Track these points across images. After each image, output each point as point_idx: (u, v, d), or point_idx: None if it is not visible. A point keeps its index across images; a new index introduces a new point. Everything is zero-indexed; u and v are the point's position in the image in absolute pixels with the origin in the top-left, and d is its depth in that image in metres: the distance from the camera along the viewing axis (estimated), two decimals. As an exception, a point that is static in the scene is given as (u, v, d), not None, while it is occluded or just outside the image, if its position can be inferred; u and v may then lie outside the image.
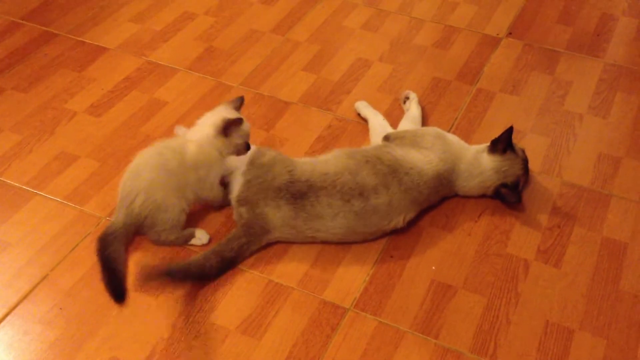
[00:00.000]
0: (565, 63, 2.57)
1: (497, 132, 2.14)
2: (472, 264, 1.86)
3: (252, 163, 1.89)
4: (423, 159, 1.91)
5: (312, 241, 1.87)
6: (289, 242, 1.88)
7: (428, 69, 2.53)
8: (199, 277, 1.79)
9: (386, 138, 2.05)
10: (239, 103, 1.96)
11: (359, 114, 2.28)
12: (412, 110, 2.26)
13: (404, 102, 2.32)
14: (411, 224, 1.93)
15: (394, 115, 2.29)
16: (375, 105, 2.34)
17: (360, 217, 1.83)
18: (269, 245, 1.87)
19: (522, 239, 1.93)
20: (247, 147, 1.89)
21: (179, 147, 1.82)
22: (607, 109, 2.37)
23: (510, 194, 1.96)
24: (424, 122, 2.27)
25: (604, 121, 2.32)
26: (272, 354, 1.65)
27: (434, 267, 1.85)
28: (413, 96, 2.31)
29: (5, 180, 2.06)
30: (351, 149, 1.98)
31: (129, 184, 1.80)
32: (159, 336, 1.67)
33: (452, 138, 2.03)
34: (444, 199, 2.01)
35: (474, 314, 1.74)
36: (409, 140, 1.99)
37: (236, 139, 1.86)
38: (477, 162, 1.97)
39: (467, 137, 2.21)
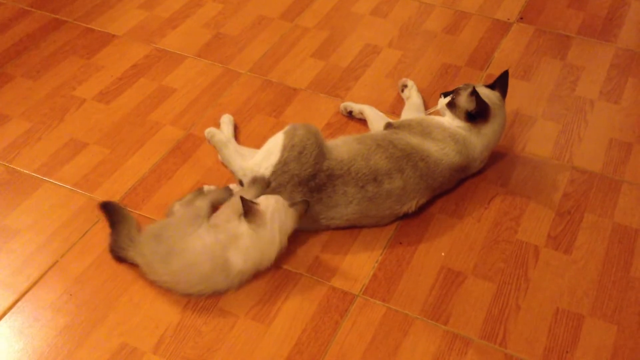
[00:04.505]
0: (577, 48, 2.54)
1: (507, 118, 2.13)
2: (482, 251, 1.85)
3: (284, 147, 1.83)
4: (439, 150, 1.90)
5: (325, 229, 1.87)
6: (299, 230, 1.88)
7: (438, 54, 2.51)
8: None
9: (389, 125, 2.03)
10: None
11: (350, 113, 2.22)
12: (414, 98, 2.24)
13: (402, 91, 2.30)
14: (420, 210, 1.92)
15: (403, 103, 2.28)
16: (384, 91, 2.33)
17: (374, 202, 1.83)
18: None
19: (532, 225, 1.92)
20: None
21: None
22: (618, 94, 2.34)
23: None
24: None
25: (616, 107, 2.30)
26: (281, 339, 1.65)
27: (443, 254, 1.84)
28: (411, 84, 2.28)
29: (15, 167, 2.07)
30: (358, 135, 1.97)
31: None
32: (168, 322, 1.68)
33: (453, 126, 1.96)
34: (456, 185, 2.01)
35: (484, 300, 1.74)
36: (418, 129, 1.96)
37: None
38: (484, 138, 1.97)
39: (477, 123, 2.20)
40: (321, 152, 1.83)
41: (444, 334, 1.66)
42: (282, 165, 1.81)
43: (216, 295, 1.72)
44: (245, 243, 1.69)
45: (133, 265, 1.77)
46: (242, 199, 1.68)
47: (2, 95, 2.31)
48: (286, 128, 1.90)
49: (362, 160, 1.84)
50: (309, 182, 1.79)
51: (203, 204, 1.81)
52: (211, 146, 2.11)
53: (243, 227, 1.71)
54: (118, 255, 1.78)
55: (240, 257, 1.69)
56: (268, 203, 1.72)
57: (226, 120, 2.16)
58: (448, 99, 1.99)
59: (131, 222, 1.82)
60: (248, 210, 1.68)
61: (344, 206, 1.82)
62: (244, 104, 2.28)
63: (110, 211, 1.86)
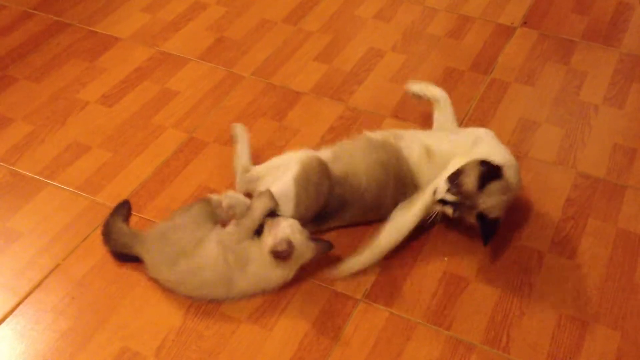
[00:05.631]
0: (581, 53, 2.53)
1: (511, 123, 2.13)
2: (485, 256, 1.84)
3: (300, 185, 1.77)
4: None
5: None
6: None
7: (441, 59, 2.50)
8: None
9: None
10: None
11: (418, 96, 2.08)
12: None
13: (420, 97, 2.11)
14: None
15: (406, 108, 2.28)
16: (387, 96, 2.33)
17: (371, 211, 1.86)
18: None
19: (536, 230, 1.91)
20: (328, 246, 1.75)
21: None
22: (622, 99, 2.34)
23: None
24: (431, 121, 2.24)
25: (620, 112, 2.29)
26: (283, 344, 1.64)
27: (446, 259, 1.83)
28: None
29: (17, 170, 2.06)
30: (383, 139, 1.89)
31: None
32: (170, 326, 1.67)
33: None
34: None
35: (487, 305, 1.73)
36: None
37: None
38: None
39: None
40: (331, 185, 1.80)
41: (447, 339, 1.66)
42: (300, 216, 1.76)
43: (216, 302, 1.72)
44: (255, 270, 1.68)
45: (135, 268, 1.77)
46: (284, 242, 1.65)
47: (5, 98, 2.31)
48: (296, 173, 1.77)
49: (377, 189, 1.82)
50: (320, 212, 1.81)
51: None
52: (214, 153, 2.12)
53: (255, 252, 1.68)
54: (123, 253, 1.78)
55: (245, 281, 1.69)
56: (295, 240, 1.67)
57: (239, 130, 1.97)
58: (450, 209, 1.75)
59: (123, 217, 1.85)
60: (285, 257, 1.66)
61: (348, 218, 1.86)
62: (247, 107, 2.28)
63: (118, 209, 1.88)
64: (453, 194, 1.70)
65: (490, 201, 1.70)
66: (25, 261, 1.82)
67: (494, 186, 1.70)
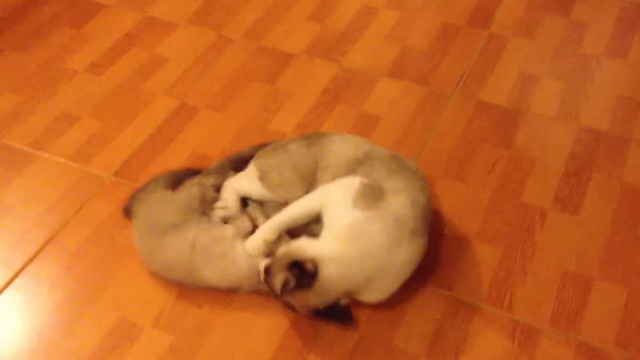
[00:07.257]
0: (582, 3, 2.46)
1: (510, 78, 2.07)
2: (486, 215, 1.81)
3: None
4: None
5: None
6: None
7: (437, 14, 2.43)
8: None
9: None
10: None
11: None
12: None
13: None
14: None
15: (402, 66, 2.22)
16: (382, 55, 2.27)
17: None
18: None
19: (539, 187, 1.87)
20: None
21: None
22: (625, 50, 2.27)
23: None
24: (428, 79, 2.19)
25: (623, 63, 2.23)
26: (279, 315, 1.61)
27: (446, 231, 1.78)
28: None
29: (7, 142, 2.02)
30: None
31: None
32: (167, 295, 1.65)
33: None
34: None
35: (489, 265, 1.70)
36: None
37: None
38: None
39: (481, 85, 2.14)
40: None
41: (448, 301, 1.63)
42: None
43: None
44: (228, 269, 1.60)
45: (130, 239, 1.73)
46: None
47: (-9, 69, 2.26)
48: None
49: None
50: None
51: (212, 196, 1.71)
52: (206, 119, 2.07)
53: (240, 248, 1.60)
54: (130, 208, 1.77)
55: (214, 274, 1.60)
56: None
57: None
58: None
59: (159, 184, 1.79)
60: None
61: None
62: (238, 71, 2.22)
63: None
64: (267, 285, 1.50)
65: (306, 302, 1.46)
66: (19, 234, 1.79)
67: (305, 293, 1.42)
